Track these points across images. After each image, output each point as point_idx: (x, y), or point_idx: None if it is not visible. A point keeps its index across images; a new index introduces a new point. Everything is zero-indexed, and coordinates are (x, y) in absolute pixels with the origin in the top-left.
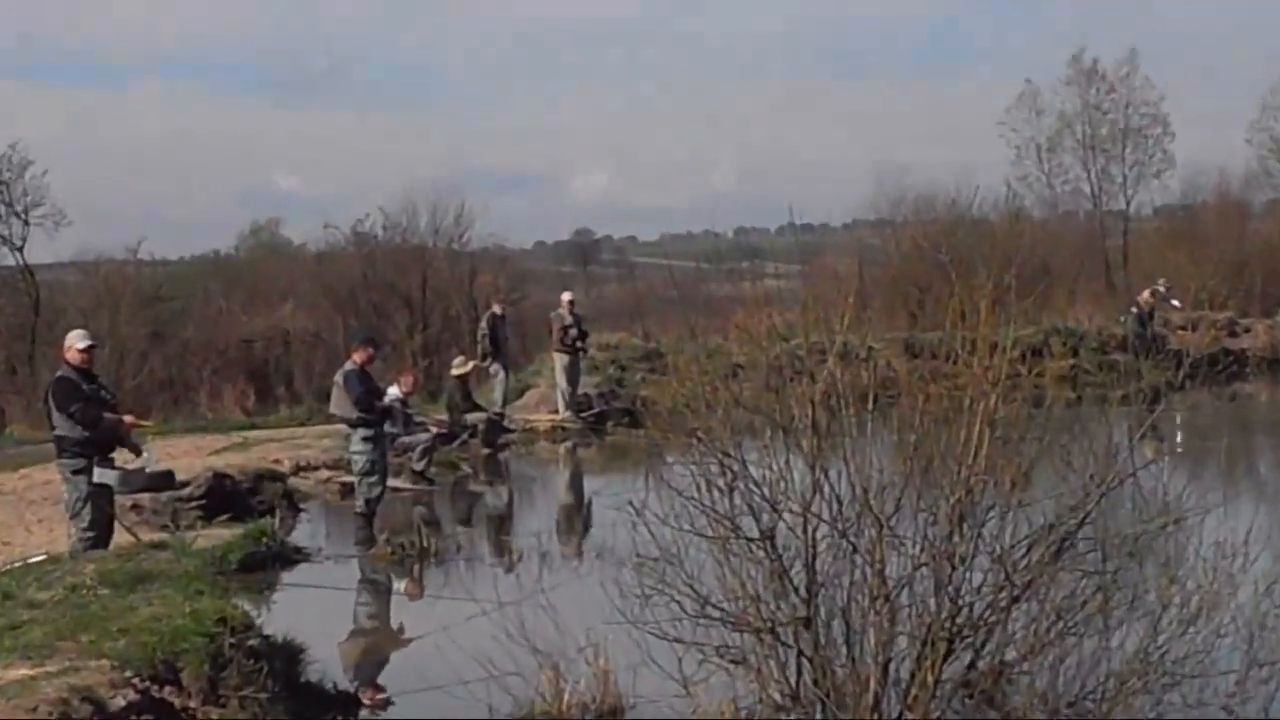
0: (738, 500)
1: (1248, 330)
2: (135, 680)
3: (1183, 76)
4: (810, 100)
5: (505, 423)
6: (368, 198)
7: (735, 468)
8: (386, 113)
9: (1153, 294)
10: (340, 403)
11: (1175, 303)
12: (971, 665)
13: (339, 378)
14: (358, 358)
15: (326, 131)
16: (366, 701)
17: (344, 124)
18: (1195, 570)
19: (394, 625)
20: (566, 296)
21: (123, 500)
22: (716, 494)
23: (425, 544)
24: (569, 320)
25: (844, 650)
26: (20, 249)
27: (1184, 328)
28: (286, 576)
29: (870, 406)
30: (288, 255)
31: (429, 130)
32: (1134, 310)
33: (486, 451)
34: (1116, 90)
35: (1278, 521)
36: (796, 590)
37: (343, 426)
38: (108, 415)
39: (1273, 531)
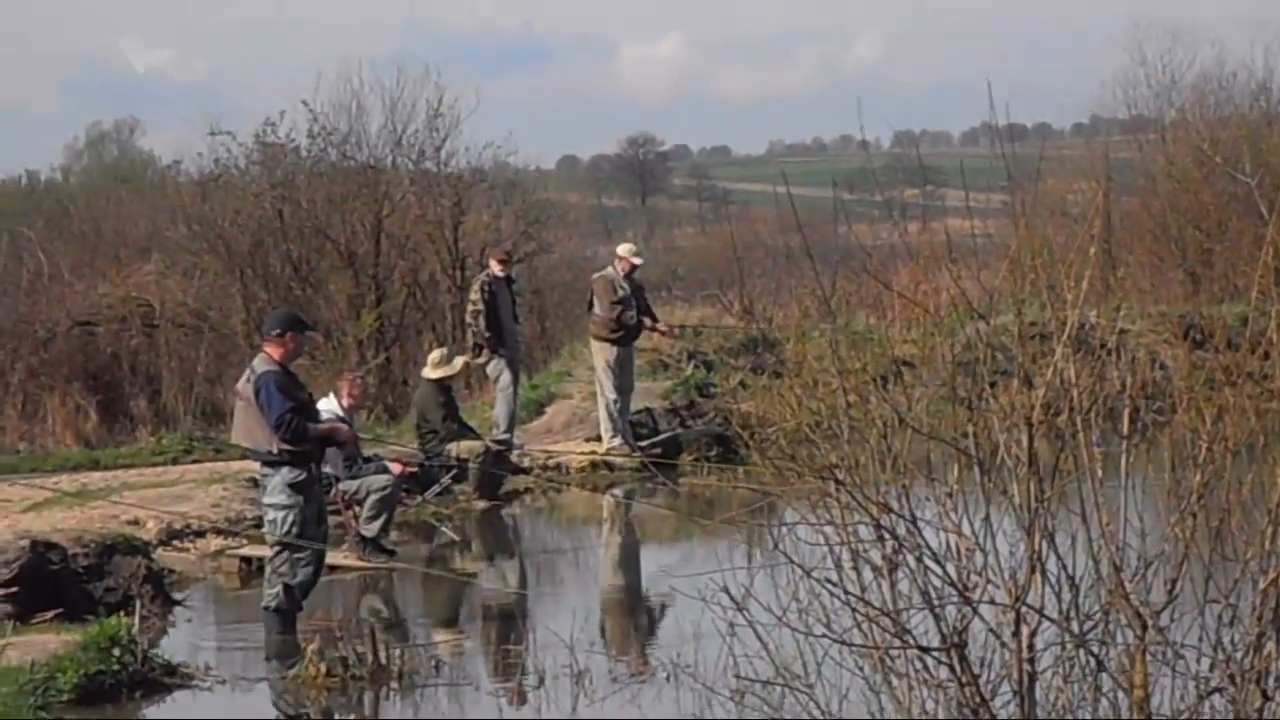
0: (904, 585)
1: None
2: None
3: None
4: None
5: (513, 456)
6: (281, 86)
7: (900, 531)
8: None
9: None
10: (250, 428)
11: None
12: None
13: (248, 386)
14: (275, 353)
15: None
16: None
17: None
18: None
19: None
20: (628, 254)
21: None
22: (869, 575)
23: (382, 659)
24: (623, 289)
25: None
26: None
27: None
28: (152, 712)
29: (1125, 429)
30: (149, 182)
31: None
32: None
33: (483, 505)
34: None
35: None
36: None
37: (249, 466)
38: None
39: None
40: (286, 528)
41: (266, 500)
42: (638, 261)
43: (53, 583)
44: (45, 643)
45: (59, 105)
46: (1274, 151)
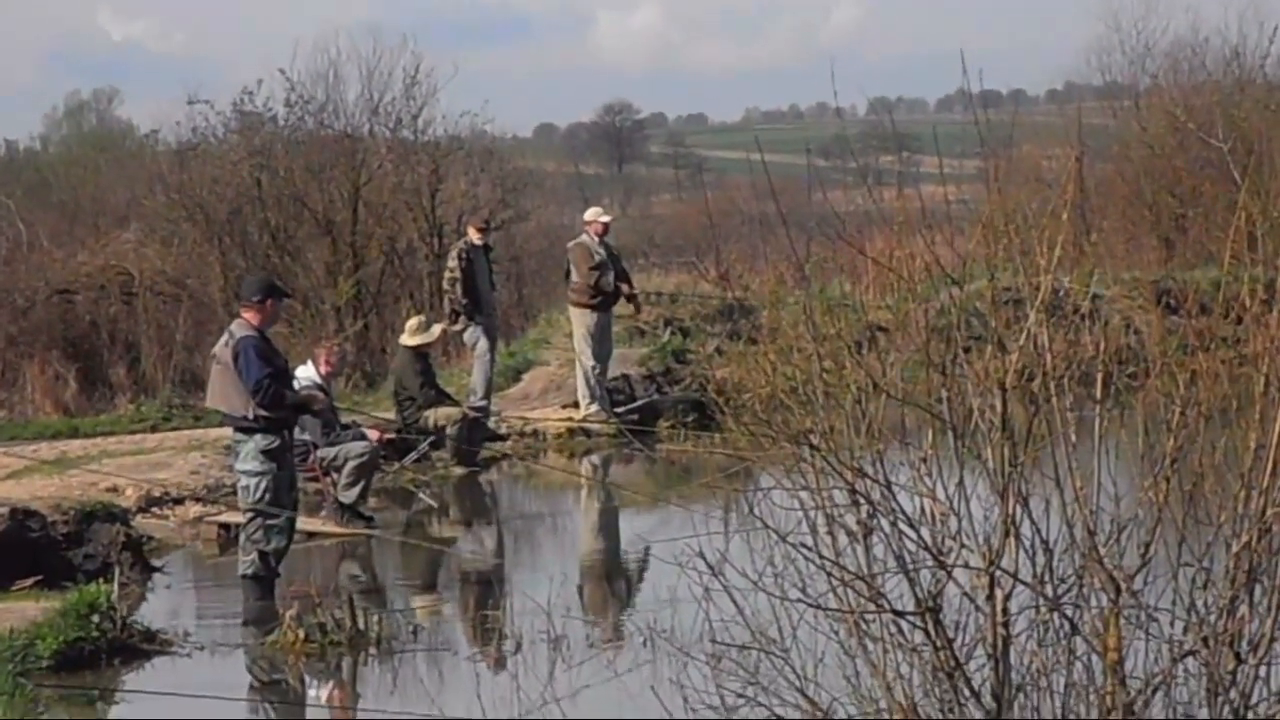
0: (879, 550)
1: None
2: None
3: None
4: None
5: (491, 424)
6: (259, 55)
7: (875, 496)
8: None
9: None
10: (226, 392)
11: None
12: None
13: (226, 351)
14: (253, 318)
15: None
16: None
17: None
18: None
19: None
20: (596, 216)
21: None
22: (844, 540)
23: (360, 625)
24: (599, 255)
25: None
26: None
27: None
28: (131, 679)
29: (1099, 394)
30: (128, 151)
31: None
32: None
33: (461, 471)
34: None
35: None
36: (977, 697)
37: (226, 431)
38: None
39: None
40: (259, 494)
41: (239, 467)
42: (606, 219)
43: (32, 550)
44: (24, 610)
45: (38, 75)
46: (1247, 118)
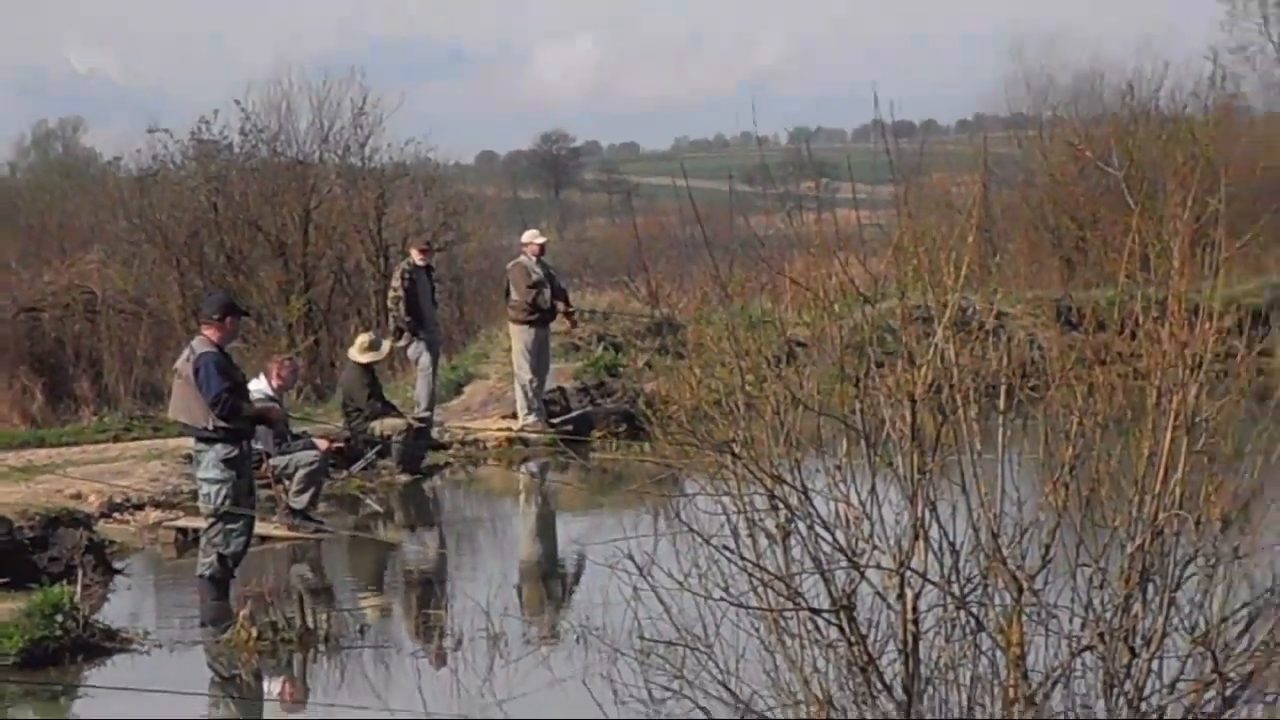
0: (797, 551)
1: None
2: None
3: None
4: None
5: (434, 433)
6: (215, 86)
7: (793, 501)
8: None
9: None
10: (187, 405)
11: None
12: None
13: (187, 366)
14: (213, 335)
15: None
16: None
17: None
18: None
19: None
20: (532, 238)
21: None
22: (764, 542)
23: (310, 623)
24: (536, 274)
25: None
26: None
27: None
28: (94, 675)
29: (1003, 405)
30: (91, 177)
31: None
32: None
33: (405, 478)
34: None
35: None
36: (889, 690)
37: (185, 442)
38: None
39: None
40: (220, 500)
41: (201, 475)
42: (542, 241)
43: None
44: None
45: (6, 106)
46: (1141, 148)
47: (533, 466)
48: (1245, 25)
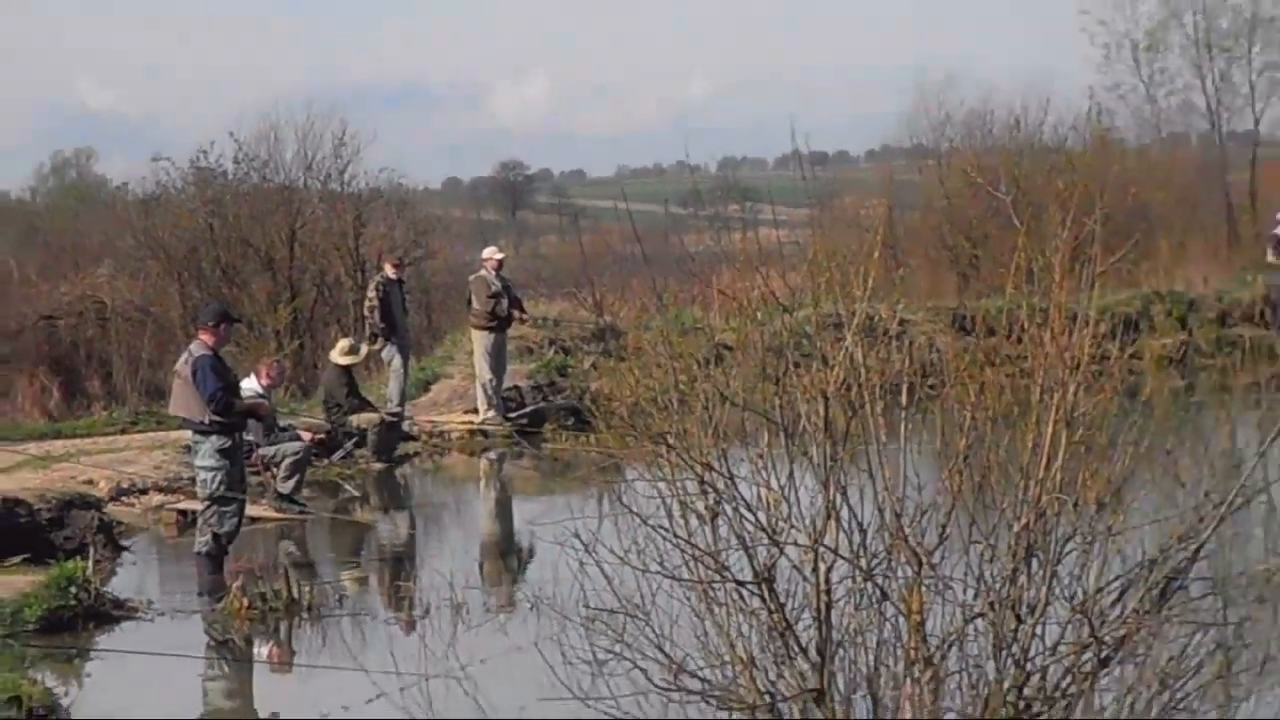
0: (724, 530)
1: None
2: None
3: None
4: None
5: (405, 426)
6: (212, 120)
7: (720, 486)
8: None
9: None
10: (186, 401)
11: None
12: None
13: (186, 367)
14: (208, 340)
15: (153, 32)
16: None
17: (179, 25)
18: None
19: (253, 708)
20: (491, 254)
21: None
22: (695, 522)
23: (295, 594)
24: (495, 286)
25: None
26: None
27: None
28: (104, 640)
29: (905, 401)
30: (102, 201)
31: (298, 25)
32: (1272, 256)
33: (379, 466)
34: None
35: None
36: (805, 652)
37: (184, 434)
38: None
39: None
40: (215, 485)
41: (198, 463)
42: (500, 256)
43: (20, 532)
44: (14, 582)
45: (27, 138)
46: (1027, 175)
47: (492, 455)
48: (1119, 66)
